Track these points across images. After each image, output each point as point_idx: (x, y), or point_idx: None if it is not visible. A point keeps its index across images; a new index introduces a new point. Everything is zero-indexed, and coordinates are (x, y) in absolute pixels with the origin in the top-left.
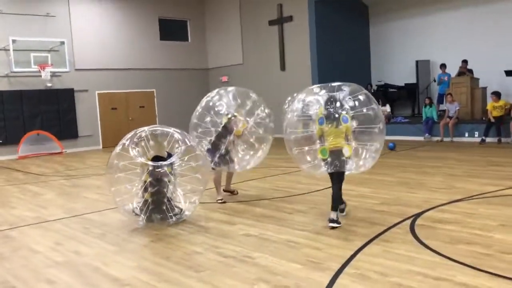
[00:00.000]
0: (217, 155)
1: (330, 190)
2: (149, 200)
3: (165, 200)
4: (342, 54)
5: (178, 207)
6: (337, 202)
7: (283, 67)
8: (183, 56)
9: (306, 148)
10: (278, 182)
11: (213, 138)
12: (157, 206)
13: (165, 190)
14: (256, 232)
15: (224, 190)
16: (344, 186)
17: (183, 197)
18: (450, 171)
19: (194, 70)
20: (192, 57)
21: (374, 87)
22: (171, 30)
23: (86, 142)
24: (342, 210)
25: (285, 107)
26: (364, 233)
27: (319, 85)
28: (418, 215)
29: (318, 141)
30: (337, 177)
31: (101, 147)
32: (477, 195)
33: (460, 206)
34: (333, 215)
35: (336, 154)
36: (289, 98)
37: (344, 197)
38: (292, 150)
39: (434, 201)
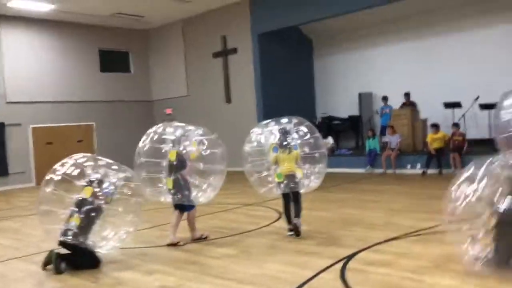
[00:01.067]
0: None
1: (265, 229)
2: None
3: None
4: (287, 86)
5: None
6: (300, 210)
7: (228, 100)
8: (125, 88)
9: (264, 173)
10: (212, 221)
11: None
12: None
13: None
14: (173, 283)
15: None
16: (279, 225)
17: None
18: (390, 205)
19: (137, 102)
20: (135, 89)
21: (319, 119)
22: (112, 62)
23: (18, 180)
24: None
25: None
26: (292, 280)
27: (270, 120)
28: (351, 257)
29: (273, 167)
30: (294, 198)
31: (34, 184)
32: (414, 232)
33: (395, 245)
34: (296, 220)
35: (290, 177)
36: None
37: (277, 237)
38: (252, 176)
39: (370, 239)
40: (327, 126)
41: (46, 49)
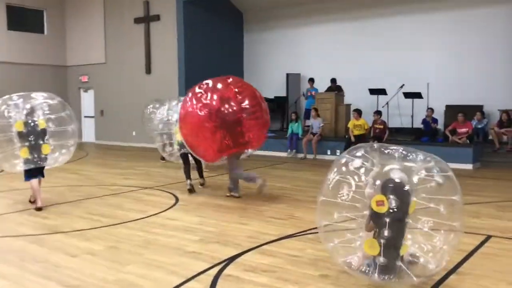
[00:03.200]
0: None
1: (151, 218)
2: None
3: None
4: (213, 60)
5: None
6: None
7: (148, 70)
8: (36, 50)
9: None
10: (94, 207)
11: None
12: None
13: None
14: None
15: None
16: (170, 214)
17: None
18: (297, 195)
19: (49, 66)
20: (48, 52)
21: None
22: (23, 19)
23: None
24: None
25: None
26: (152, 286)
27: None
28: (232, 259)
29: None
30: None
31: None
32: (312, 228)
33: (288, 244)
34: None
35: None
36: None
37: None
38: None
39: (262, 236)
40: None
41: None
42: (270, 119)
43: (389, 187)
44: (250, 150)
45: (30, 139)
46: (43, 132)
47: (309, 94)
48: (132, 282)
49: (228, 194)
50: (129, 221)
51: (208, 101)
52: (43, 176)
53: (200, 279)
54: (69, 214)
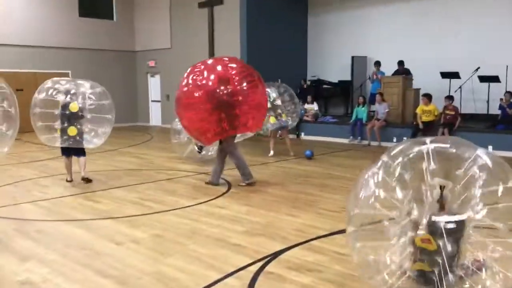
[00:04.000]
0: None
1: (200, 206)
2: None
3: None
4: (276, 43)
5: None
6: None
7: (212, 55)
8: (106, 36)
9: None
10: (147, 192)
11: None
12: None
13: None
14: (41, 277)
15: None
16: (220, 202)
17: None
18: None
19: (118, 52)
20: (117, 38)
21: (308, 83)
22: (94, 6)
23: None
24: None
25: None
26: (185, 284)
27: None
28: (276, 255)
29: None
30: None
31: None
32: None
33: (339, 241)
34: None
35: None
36: None
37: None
38: None
39: (312, 230)
40: (315, 90)
41: None
42: (299, 102)
43: (439, 231)
44: (249, 133)
45: (65, 120)
46: (74, 115)
47: (374, 77)
48: (169, 275)
49: (243, 184)
50: (179, 208)
51: (204, 82)
52: (78, 155)
53: (240, 275)
54: (122, 200)
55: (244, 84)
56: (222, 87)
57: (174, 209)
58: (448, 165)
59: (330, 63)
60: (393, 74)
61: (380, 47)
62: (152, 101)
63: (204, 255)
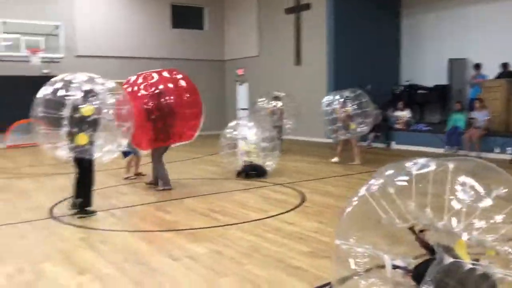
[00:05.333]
0: None
1: (267, 220)
2: None
3: None
4: (366, 47)
5: None
6: None
7: (298, 61)
8: (197, 46)
9: None
10: (219, 203)
11: None
12: None
13: None
14: None
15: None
16: (288, 217)
17: None
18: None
19: (208, 61)
20: (208, 47)
21: (401, 88)
22: (185, 18)
23: None
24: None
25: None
26: None
27: None
28: (339, 283)
29: None
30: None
31: None
32: None
33: None
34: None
35: None
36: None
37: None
38: None
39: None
40: (408, 96)
41: (118, 3)
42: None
43: None
44: (184, 142)
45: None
46: (83, 120)
47: (474, 81)
48: None
49: (160, 188)
50: (246, 222)
51: (146, 92)
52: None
53: None
54: (192, 210)
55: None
56: (163, 97)
57: (241, 223)
58: None
59: (425, 67)
60: (496, 78)
61: (481, 48)
62: (241, 109)
63: (259, 277)
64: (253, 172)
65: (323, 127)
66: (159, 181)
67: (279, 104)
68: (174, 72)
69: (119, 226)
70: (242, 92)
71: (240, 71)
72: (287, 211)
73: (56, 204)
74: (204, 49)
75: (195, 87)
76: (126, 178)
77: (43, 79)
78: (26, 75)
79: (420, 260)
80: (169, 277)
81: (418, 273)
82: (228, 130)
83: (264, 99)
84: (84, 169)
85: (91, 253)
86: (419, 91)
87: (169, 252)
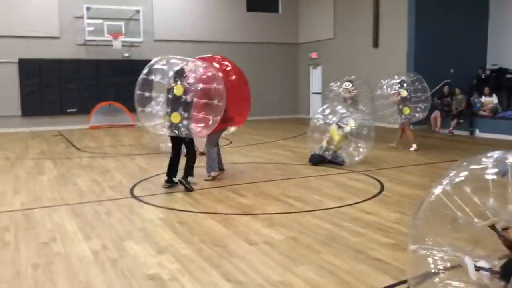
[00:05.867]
0: None
1: (344, 209)
2: None
3: None
4: (450, 28)
5: None
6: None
7: (375, 44)
8: (271, 29)
9: None
10: (295, 189)
11: None
12: None
13: None
14: (168, 275)
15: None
16: (368, 206)
17: None
18: None
19: (282, 44)
20: (282, 30)
21: (487, 72)
22: (261, 0)
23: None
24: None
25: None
26: None
27: None
28: (424, 277)
29: None
30: None
31: None
32: None
33: None
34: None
35: None
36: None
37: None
38: None
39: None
40: (496, 80)
41: None
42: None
43: None
44: (233, 128)
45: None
46: (178, 99)
47: None
48: None
49: (208, 178)
50: (321, 209)
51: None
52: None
53: None
54: (267, 195)
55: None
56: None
57: (316, 210)
58: None
59: None
60: None
61: None
62: (313, 93)
63: (338, 268)
64: (318, 163)
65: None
66: (207, 166)
67: (351, 88)
68: (219, 58)
69: (197, 207)
70: (315, 76)
71: (313, 55)
72: (364, 200)
73: (136, 184)
74: (278, 32)
75: (242, 72)
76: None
77: (124, 63)
78: (108, 58)
79: (505, 260)
80: (246, 261)
81: (507, 272)
82: (318, 115)
83: (337, 83)
84: (186, 144)
85: (170, 233)
86: (508, 76)
87: (245, 236)
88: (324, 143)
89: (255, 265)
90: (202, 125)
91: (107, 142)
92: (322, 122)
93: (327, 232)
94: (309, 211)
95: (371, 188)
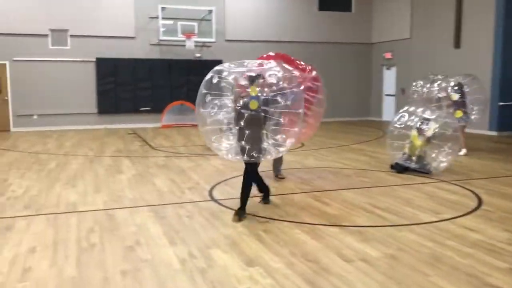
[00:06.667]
0: None
1: (443, 224)
2: None
3: None
4: None
5: None
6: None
7: (457, 44)
8: (343, 29)
9: None
10: (381, 198)
11: None
12: None
13: None
14: None
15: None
16: (468, 222)
17: None
18: None
19: (354, 45)
20: (354, 30)
21: None
22: (333, 0)
23: None
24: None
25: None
26: None
27: None
28: None
29: None
30: None
31: None
32: None
33: None
34: None
35: None
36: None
37: (453, 242)
38: None
39: None
40: None
41: None
42: None
43: None
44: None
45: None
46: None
47: None
48: None
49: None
50: (417, 224)
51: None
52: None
53: None
54: (352, 204)
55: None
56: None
57: (412, 224)
58: None
59: None
60: None
61: None
62: (386, 95)
63: None
64: (402, 170)
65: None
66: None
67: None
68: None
69: (279, 215)
70: (389, 77)
71: (388, 55)
72: (464, 214)
73: (214, 186)
74: (350, 32)
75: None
76: None
77: (196, 63)
78: (179, 58)
79: None
80: (344, 280)
81: None
82: (398, 117)
83: (420, 82)
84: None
85: (256, 242)
86: None
87: (338, 251)
88: (406, 150)
89: (355, 285)
90: (292, 140)
91: (179, 142)
92: (400, 127)
93: (429, 250)
94: (404, 225)
95: (467, 201)
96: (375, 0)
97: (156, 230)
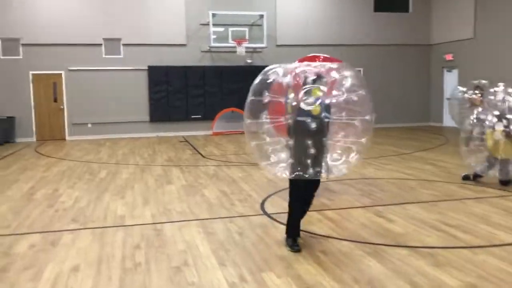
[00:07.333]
0: None
1: None
2: None
3: None
4: None
5: None
6: None
7: None
8: (400, 30)
9: None
10: (450, 214)
11: None
12: None
13: None
14: None
15: None
16: None
17: None
18: None
19: (412, 46)
20: (412, 31)
21: None
22: (389, 0)
23: None
24: None
25: None
26: None
27: None
28: None
29: None
30: None
31: None
32: None
33: None
34: None
35: None
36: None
37: None
38: None
39: None
40: None
41: None
42: None
43: None
44: None
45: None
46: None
47: None
48: None
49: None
50: (497, 245)
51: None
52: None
53: None
54: (420, 221)
55: None
56: None
57: (491, 246)
58: None
59: None
60: None
61: None
62: (447, 99)
63: None
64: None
65: None
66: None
67: (478, 94)
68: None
69: (338, 233)
70: (450, 80)
71: (448, 56)
72: None
73: (266, 198)
74: (408, 33)
75: None
76: None
77: (246, 69)
78: (230, 65)
79: None
80: None
81: None
82: (471, 121)
83: (465, 88)
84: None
85: (314, 265)
86: None
87: (408, 278)
88: (486, 153)
89: None
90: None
91: (230, 150)
92: (474, 125)
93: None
94: (481, 247)
95: None
96: (433, 0)
97: (205, 248)
